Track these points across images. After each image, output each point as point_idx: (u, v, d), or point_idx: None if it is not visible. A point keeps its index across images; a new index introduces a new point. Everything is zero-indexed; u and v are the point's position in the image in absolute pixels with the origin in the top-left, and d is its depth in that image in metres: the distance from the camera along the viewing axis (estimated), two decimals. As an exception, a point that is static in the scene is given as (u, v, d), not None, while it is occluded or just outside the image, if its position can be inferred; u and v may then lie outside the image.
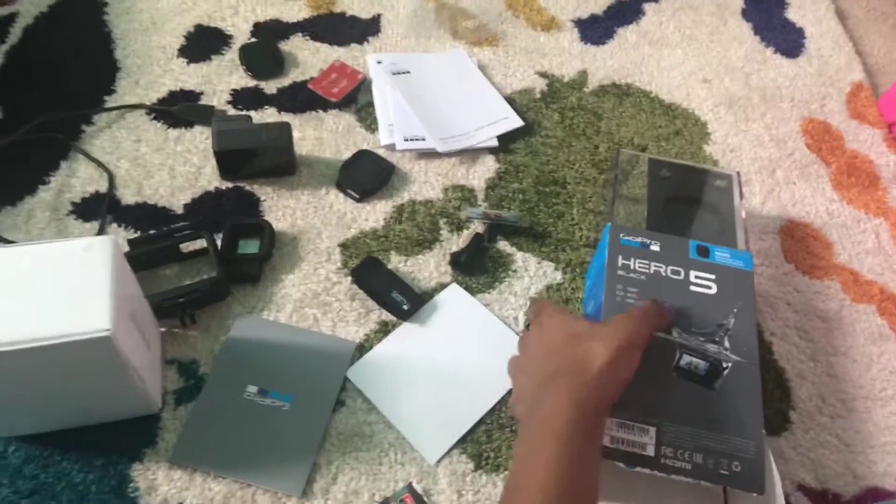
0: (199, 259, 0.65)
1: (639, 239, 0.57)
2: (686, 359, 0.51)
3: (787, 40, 0.90)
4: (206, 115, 0.75)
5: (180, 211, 0.69)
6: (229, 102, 0.78)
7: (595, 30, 0.89)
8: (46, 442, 0.55)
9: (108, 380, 0.51)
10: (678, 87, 0.84)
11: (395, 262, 0.67)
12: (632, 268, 0.55)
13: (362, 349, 0.61)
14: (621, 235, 0.57)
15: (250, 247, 0.65)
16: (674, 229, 0.58)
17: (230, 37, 0.84)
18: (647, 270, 0.55)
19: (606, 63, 0.85)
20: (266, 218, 0.69)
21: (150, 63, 0.81)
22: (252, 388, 0.58)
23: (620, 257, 0.55)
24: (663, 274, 0.55)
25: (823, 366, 0.64)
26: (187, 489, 0.54)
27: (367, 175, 0.72)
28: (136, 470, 0.55)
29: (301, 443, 0.56)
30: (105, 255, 0.49)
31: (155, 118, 0.76)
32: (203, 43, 0.83)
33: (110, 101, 0.77)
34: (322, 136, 0.76)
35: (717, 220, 0.61)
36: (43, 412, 0.53)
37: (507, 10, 0.90)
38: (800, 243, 0.71)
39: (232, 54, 0.82)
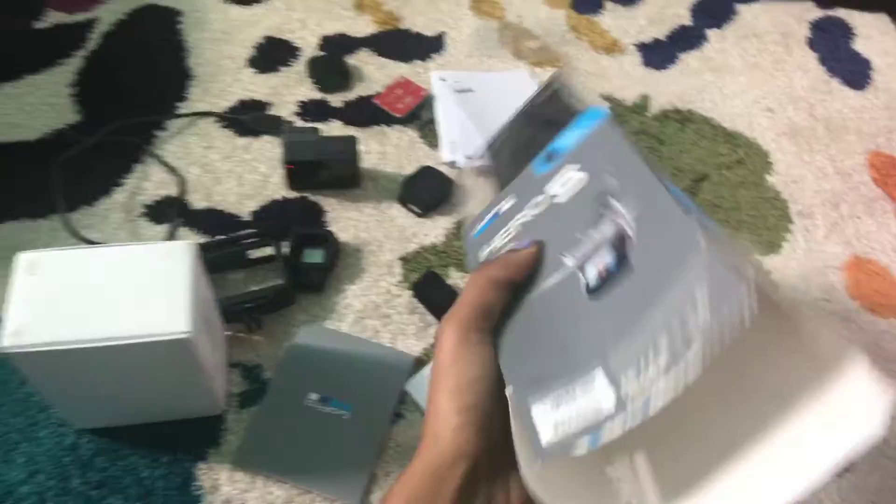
0: (264, 266, 0.67)
1: (490, 214, 0.42)
2: (592, 271, 0.35)
3: (854, 71, 0.89)
4: (274, 126, 0.77)
5: (247, 218, 0.71)
6: (296, 114, 0.80)
7: (658, 54, 0.89)
8: (116, 436, 0.57)
9: (180, 379, 0.52)
10: (741, 115, 0.84)
11: (455, 277, 0.68)
12: (497, 246, 0.40)
13: (421, 363, 0.62)
14: (471, 232, 0.42)
15: (315, 256, 0.67)
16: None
17: (298, 49, 0.86)
18: (511, 232, 0.40)
19: (669, 88, 0.86)
20: (330, 229, 0.70)
21: (220, 72, 0.83)
22: (313, 396, 0.60)
23: (486, 249, 0.40)
24: (529, 217, 0.39)
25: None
26: (249, 491, 0.55)
27: (429, 191, 0.73)
28: (201, 469, 0.56)
29: (360, 452, 0.57)
30: (186, 259, 0.50)
31: (225, 126, 0.78)
32: (272, 54, 0.85)
33: (182, 108, 0.80)
34: (386, 151, 0.77)
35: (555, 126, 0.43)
36: (116, 407, 0.55)
37: (571, 31, 0.91)
38: (864, 280, 0.70)
39: (300, 66, 0.84)
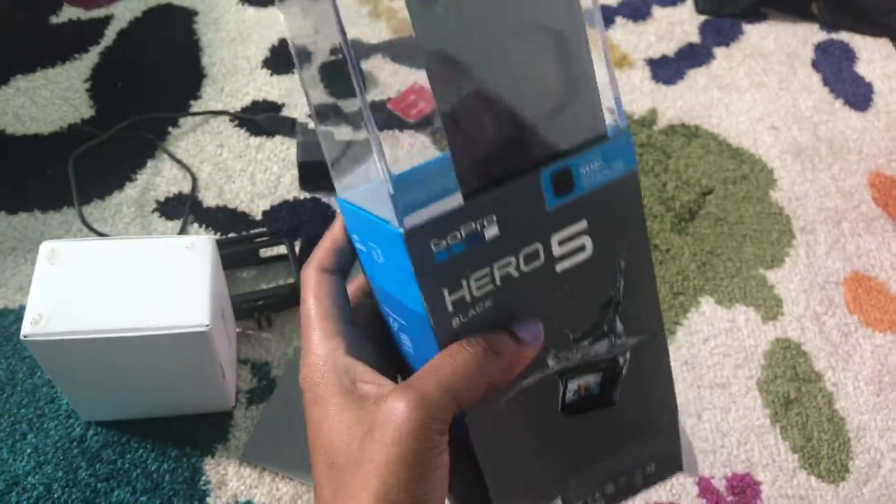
0: (275, 264, 0.68)
1: (463, 233, 0.26)
2: (573, 386, 0.31)
3: (857, 94, 0.91)
4: (287, 127, 0.78)
5: (259, 217, 0.71)
6: (309, 116, 0.81)
7: (666, 70, 0.91)
8: (125, 429, 0.57)
9: (194, 373, 0.53)
10: (746, 132, 0.85)
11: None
12: (469, 298, 0.27)
13: (429, 365, 0.63)
14: (433, 246, 0.26)
15: (326, 256, 0.67)
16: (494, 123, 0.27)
17: (312, 53, 0.87)
18: (491, 286, 0.27)
19: (676, 103, 0.87)
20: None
21: (234, 72, 0.84)
22: (322, 394, 0.60)
23: (447, 293, 0.27)
24: (516, 274, 0.28)
25: (885, 420, 0.64)
26: (256, 487, 0.56)
27: (439, 195, 0.74)
28: (208, 464, 0.56)
29: (367, 451, 0.58)
30: (206, 253, 0.51)
31: (238, 125, 0.79)
32: (286, 57, 0.86)
33: (195, 106, 0.80)
34: (397, 155, 0.78)
35: (553, 65, 0.27)
36: (128, 400, 0.55)
37: (581, 45, 0.92)
38: (863, 295, 0.72)
39: (313, 70, 0.85)
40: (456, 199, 0.26)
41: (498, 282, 0.27)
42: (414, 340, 0.29)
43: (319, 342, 0.28)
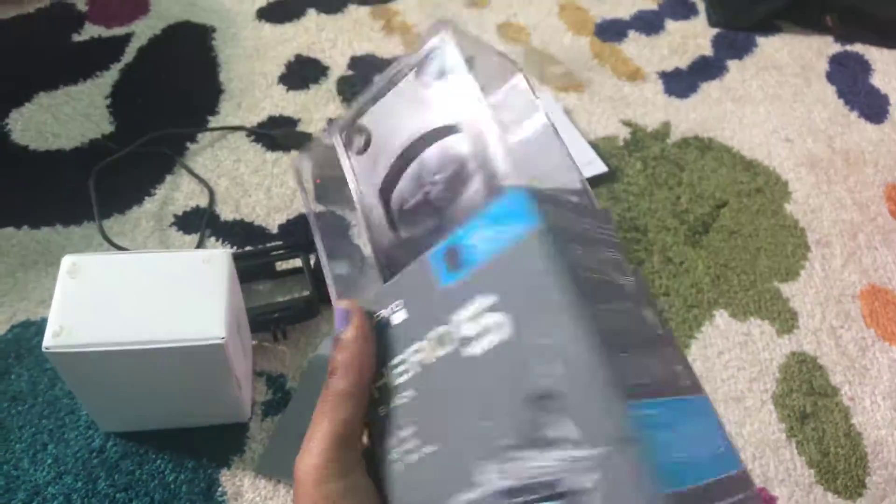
0: (291, 277, 0.68)
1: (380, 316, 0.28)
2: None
3: (872, 105, 0.91)
4: (303, 142, 0.79)
5: (275, 230, 0.72)
6: (325, 131, 0.81)
7: (679, 83, 0.91)
8: (143, 440, 0.58)
9: (211, 385, 0.53)
10: (760, 144, 0.85)
11: (477, 295, 0.69)
12: (394, 383, 0.28)
13: (442, 377, 0.63)
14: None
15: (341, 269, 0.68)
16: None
17: (327, 68, 0.88)
18: (409, 371, 0.27)
19: (689, 116, 0.87)
20: (356, 243, 0.71)
21: (251, 88, 0.85)
22: (337, 406, 0.60)
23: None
24: (432, 358, 0.26)
25: (904, 435, 0.63)
26: (271, 499, 0.56)
27: (453, 209, 0.75)
28: (224, 475, 0.57)
29: (381, 464, 0.58)
30: (222, 267, 0.52)
31: (254, 140, 0.80)
32: (302, 72, 0.88)
33: (213, 122, 0.82)
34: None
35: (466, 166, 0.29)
36: (145, 411, 0.56)
37: (594, 58, 0.93)
38: (880, 309, 0.71)
39: (329, 85, 0.86)
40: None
41: (418, 369, 0.27)
42: None
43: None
